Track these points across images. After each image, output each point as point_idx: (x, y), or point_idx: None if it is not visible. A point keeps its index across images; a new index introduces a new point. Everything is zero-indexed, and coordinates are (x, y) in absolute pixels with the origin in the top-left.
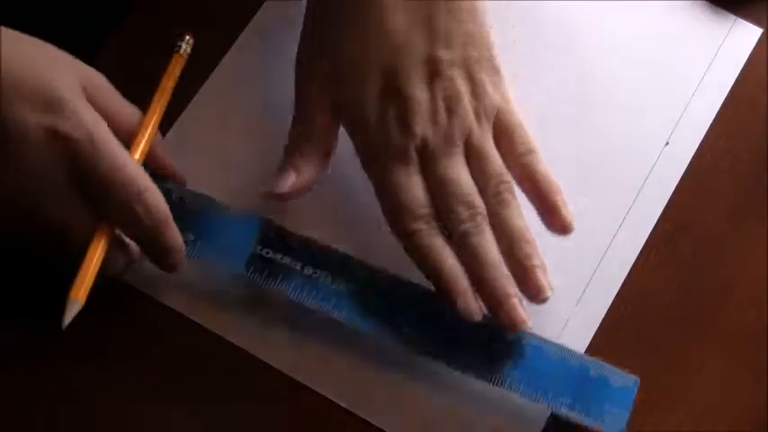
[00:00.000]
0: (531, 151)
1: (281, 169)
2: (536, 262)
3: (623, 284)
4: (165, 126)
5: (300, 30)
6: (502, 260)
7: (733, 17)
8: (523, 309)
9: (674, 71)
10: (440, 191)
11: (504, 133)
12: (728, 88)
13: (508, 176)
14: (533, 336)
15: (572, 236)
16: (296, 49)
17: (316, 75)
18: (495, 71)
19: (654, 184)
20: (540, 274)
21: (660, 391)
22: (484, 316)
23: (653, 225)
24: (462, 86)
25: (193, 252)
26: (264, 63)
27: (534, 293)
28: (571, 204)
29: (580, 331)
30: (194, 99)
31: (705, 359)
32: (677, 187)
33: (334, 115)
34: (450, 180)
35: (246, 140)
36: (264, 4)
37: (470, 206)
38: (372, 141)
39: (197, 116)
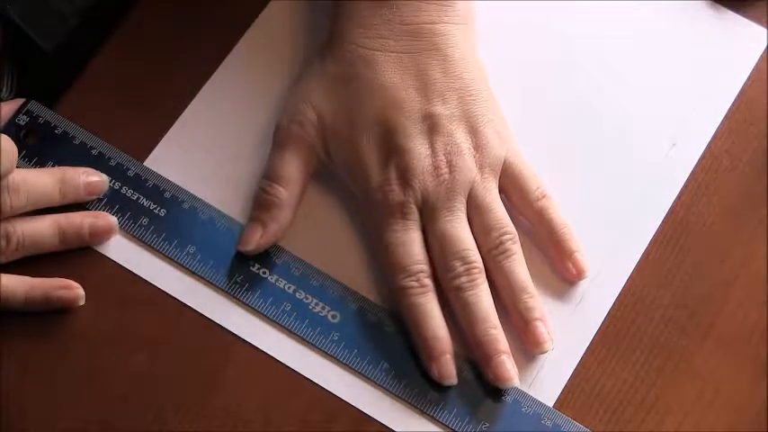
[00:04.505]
0: (544, 197)
1: (249, 225)
2: (537, 315)
3: (623, 284)
4: (164, 126)
5: (305, 38)
6: (495, 314)
7: (744, 20)
8: (513, 365)
9: (682, 72)
10: (437, 246)
11: (515, 182)
12: (737, 91)
13: (511, 228)
14: (518, 392)
15: (577, 236)
16: (300, 51)
17: (304, 123)
18: (501, 123)
19: (659, 185)
20: (540, 328)
21: (660, 391)
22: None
23: (657, 225)
24: (463, 140)
25: (192, 264)
26: (267, 63)
27: (534, 346)
28: (577, 204)
29: (581, 332)
30: (195, 99)
31: (705, 359)
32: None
33: (314, 167)
34: (448, 235)
35: (248, 141)
36: (269, 3)
37: (466, 261)
38: (372, 197)
39: (198, 116)
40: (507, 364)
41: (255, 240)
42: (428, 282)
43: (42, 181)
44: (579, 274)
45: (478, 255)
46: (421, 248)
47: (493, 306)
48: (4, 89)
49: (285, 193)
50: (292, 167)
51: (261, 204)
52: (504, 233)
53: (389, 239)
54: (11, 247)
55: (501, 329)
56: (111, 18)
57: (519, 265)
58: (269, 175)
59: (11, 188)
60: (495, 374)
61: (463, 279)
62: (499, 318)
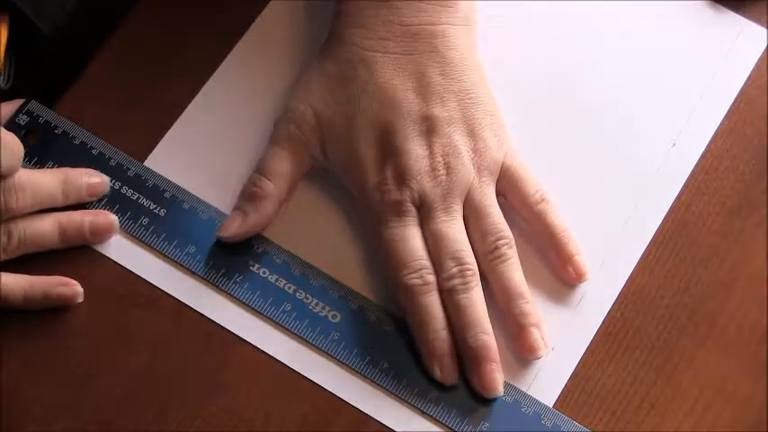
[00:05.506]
0: (544, 200)
1: (231, 213)
2: (532, 320)
3: (623, 284)
4: (164, 126)
5: (305, 38)
6: (487, 319)
7: (744, 20)
8: (500, 375)
9: (683, 72)
10: (433, 246)
11: (513, 185)
12: (737, 90)
13: (507, 232)
14: (518, 392)
15: (576, 239)
16: (300, 51)
17: (302, 123)
18: (499, 126)
19: (660, 185)
20: (535, 334)
21: (660, 391)
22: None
23: (657, 225)
24: (462, 143)
25: (192, 264)
26: (267, 63)
27: (528, 352)
28: (577, 204)
29: (581, 332)
30: (195, 98)
31: (705, 359)
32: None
33: (307, 167)
34: (443, 235)
35: (248, 141)
36: (269, 3)
37: (460, 262)
38: (369, 196)
39: (198, 116)
40: (495, 372)
41: (233, 228)
42: (431, 279)
43: (46, 181)
44: (579, 278)
45: (473, 256)
46: (421, 244)
47: (485, 310)
48: (2, 78)
49: (271, 187)
50: (283, 164)
51: (245, 195)
52: (501, 237)
53: (388, 236)
54: (12, 244)
55: (492, 335)
56: (111, 7)
57: (514, 270)
58: (259, 169)
59: (17, 188)
60: (481, 382)
61: (456, 281)
62: (495, 321)
